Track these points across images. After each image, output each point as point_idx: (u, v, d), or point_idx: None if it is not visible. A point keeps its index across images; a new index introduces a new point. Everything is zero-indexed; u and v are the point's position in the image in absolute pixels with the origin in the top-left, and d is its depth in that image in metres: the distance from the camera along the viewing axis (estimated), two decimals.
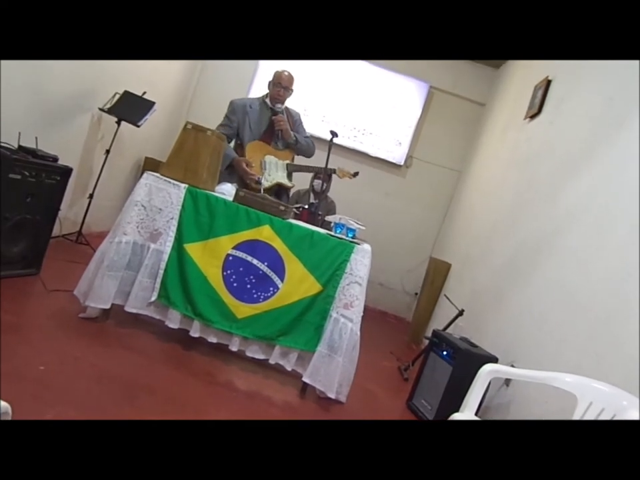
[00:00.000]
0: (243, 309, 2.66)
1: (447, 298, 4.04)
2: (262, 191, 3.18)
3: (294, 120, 3.62)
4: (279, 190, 3.54)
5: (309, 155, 3.67)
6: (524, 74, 4.66)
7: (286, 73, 3.45)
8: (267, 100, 3.48)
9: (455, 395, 2.43)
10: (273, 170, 3.48)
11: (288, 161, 3.57)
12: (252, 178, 3.29)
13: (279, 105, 3.48)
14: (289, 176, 3.58)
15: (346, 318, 2.62)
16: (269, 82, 3.49)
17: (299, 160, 3.69)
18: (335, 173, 3.55)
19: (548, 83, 3.74)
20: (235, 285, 2.66)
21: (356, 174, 3.53)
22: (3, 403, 0.79)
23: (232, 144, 3.52)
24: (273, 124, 3.45)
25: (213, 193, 2.78)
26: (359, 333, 2.63)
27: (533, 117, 3.90)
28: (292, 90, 3.51)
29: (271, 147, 3.50)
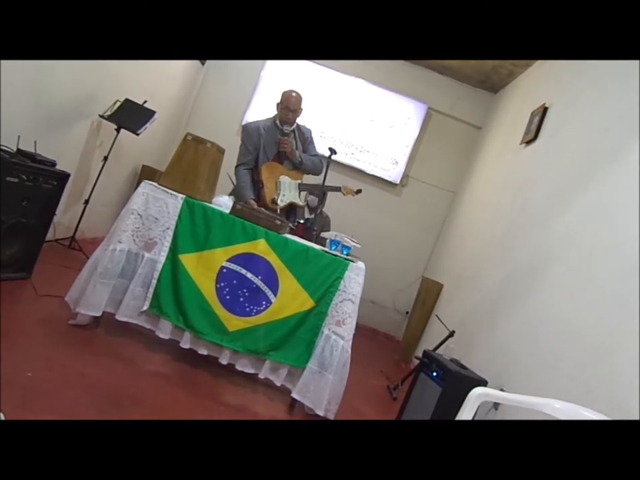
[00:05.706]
0: (234, 322, 2.65)
1: (438, 318, 4.05)
2: (279, 211, 3.29)
3: (305, 137, 3.67)
4: (291, 210, 3.62)
5: (314, 173, 3.70)
6: (521, 100, 4.73)
7: (294, 94, 3.49)
8: (277, 122, 3.53)
9: (444, 416, 2.42)
10: (287, 190, 3.57)
11: (299, 181, 3.64)
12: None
13: (287, 127, 3.52)
14: (299, 195, 3.66)
15: (337, 335, 2.62)
16: (277, 103, 3.53)
17: (308, 179, 3.77)
18: (339, 190, 3.60)
19: (545, 109, 3.79)
20: (227, 297, 2.66)
21: (359, 191, 3.59)
22: (1, 414, 0.78)
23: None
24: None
25: (210, 204, 2.79)
26: (350, 350, 2.63)
27: (528, 142, 3.95)
28: (301, 109, 3.57)
29: (284, 167, 3.59)
